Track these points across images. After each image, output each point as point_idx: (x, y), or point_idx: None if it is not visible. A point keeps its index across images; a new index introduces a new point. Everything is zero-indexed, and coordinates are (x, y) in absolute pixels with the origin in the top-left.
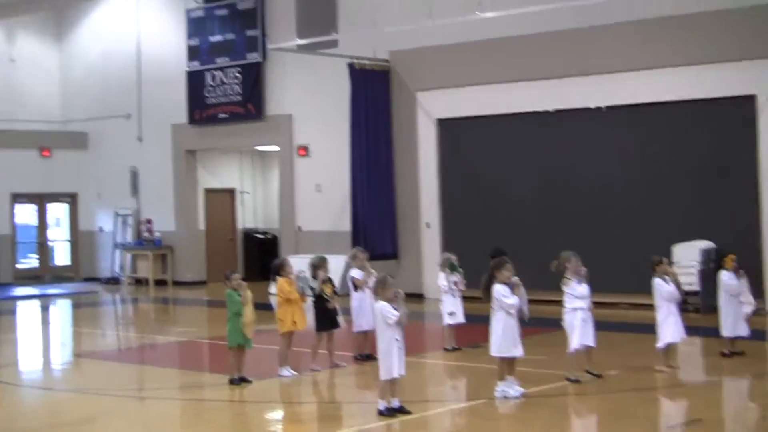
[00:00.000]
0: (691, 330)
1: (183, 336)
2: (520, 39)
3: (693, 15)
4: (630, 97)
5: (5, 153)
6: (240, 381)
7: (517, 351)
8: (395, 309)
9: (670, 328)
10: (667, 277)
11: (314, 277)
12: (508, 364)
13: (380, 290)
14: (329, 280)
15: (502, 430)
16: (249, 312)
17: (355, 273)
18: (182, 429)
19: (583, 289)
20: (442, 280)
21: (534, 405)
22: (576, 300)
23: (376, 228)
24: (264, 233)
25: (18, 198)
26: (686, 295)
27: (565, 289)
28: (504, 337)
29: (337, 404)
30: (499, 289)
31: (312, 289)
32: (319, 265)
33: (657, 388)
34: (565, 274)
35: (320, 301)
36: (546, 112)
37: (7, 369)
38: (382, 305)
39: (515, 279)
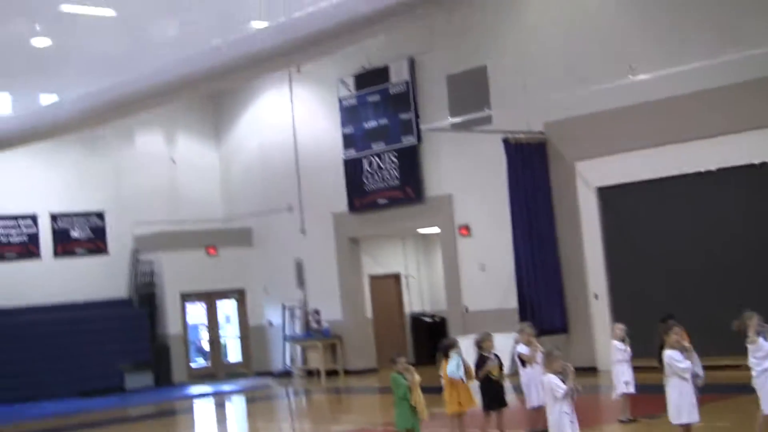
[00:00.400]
0: None
1: (356, 424)
2: (676, 99)
3: None
4: None
5: (173, 254)
6: None
7: (694, 416)
8: (563, 381)
9: None
10: None
11: (480, 352)
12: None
13: (548, 363)
14: (496, 358)
15: None
16: (417, 395)
17: (522, 349)
18: None
19: None
20: (616, 348)
21: None
22: (764, 360)
23: (543, 302)
24: (431, 316)
25: (187, 297)
26: None
27: (751, 347)
28: (681, 402)
29: None
30: (670, 354)
31: (464, 366)
32: (483, 341)
33: None
34: (748, 334)
35: (487, 380)
36: (708, 172)
37: None
38: (550, 378)
39: (687, 345)
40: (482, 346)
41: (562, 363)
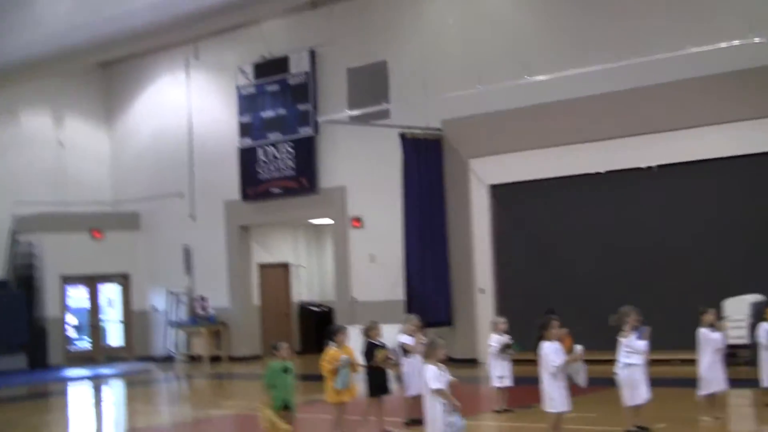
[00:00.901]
0: (740, 382)
1: (236, 409)
2: (570, 102)
3: (741, 72)
4: (679, 155)
5: (55, 236)
6: None
7: (565, 405)
8: (443, 373)
9: (713, 377)
10: (713, 327)
11: (368, 340)
12: (557, 420)
13: (429, 353)
14: (383, 346)
15: None
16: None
17: (404, 339)
18: None
19: (642, 345)
20: (493, 342)
21: None
22: (632, 355)
23: (430, 295)
24: (319, 306)
25: (69, 280)
26: (735, 348)
27: (623, 340)
28: (552, 392)
29: None
30: (546, 348)
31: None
32: (370, 329)
33: None
34: (623, 328)
35: (371, 368)
36: (597, 174)
37: None
38: (429, 369)
39: (579, 348)
40: (370, 334)
41: (445, 353)
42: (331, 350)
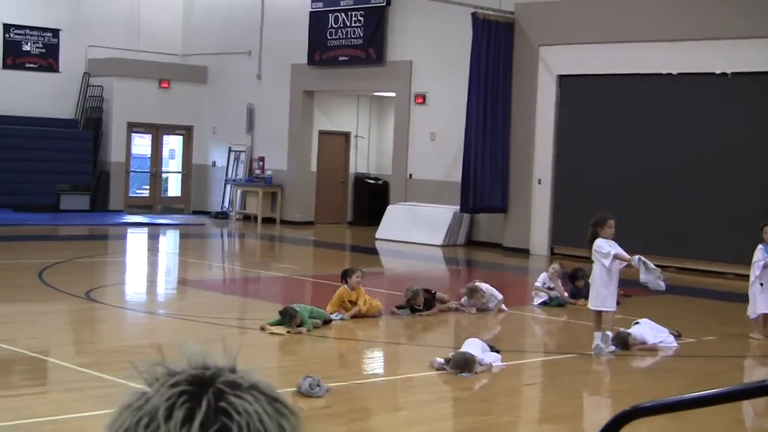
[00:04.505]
0: None
1: (286, 272)
2: None
3: None
4: (757, 64)
5: (125, 82)
6: None
7: (610, 305)
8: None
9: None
10: None
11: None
12: (601, 319)
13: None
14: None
15: (590, 382)
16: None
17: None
18: (273, 357)
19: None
20: (539, 282)
21: (623, 362)
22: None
23: (486, 180)
24: (375, 179)
25: (134, 127)
26: None
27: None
28: (598, 290)
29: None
30: (599, 243)
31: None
32: (412, 298)
33: (748, 356)
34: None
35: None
36: (669, 75)
37: (113, 290)
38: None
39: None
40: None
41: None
42: (341, 290)
